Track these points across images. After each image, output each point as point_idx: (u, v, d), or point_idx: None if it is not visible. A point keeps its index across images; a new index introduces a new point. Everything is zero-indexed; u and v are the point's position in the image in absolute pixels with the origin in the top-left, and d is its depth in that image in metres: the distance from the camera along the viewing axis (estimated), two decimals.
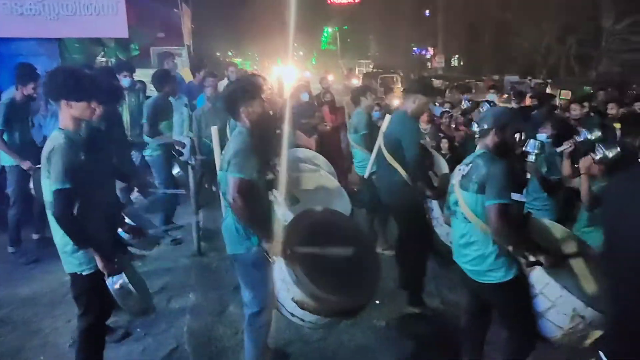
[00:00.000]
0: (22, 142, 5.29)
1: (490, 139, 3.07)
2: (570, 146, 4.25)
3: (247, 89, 3.11)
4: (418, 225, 4.39)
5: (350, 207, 4.64)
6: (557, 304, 2.85)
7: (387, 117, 4.65)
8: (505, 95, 16.94)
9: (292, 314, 2.90)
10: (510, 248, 2.94)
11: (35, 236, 5.65)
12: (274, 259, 2.91)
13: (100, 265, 2.94)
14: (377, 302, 4.39)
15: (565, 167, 4.29)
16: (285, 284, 2.84)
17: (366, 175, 5.35)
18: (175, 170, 5.74)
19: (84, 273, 2.99)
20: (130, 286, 3.05)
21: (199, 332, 4.00)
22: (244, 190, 2.91)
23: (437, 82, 17.19)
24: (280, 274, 2.86)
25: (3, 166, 5.35)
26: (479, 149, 3.12)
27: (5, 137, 5.15)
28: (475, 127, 5.43)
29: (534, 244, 3.02)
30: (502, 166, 2.91)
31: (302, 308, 2.81)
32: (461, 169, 3.13)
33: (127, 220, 3.72)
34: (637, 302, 1.66)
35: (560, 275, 2.91)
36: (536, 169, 4.53)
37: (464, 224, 3.07)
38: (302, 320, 2.91)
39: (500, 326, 3.22)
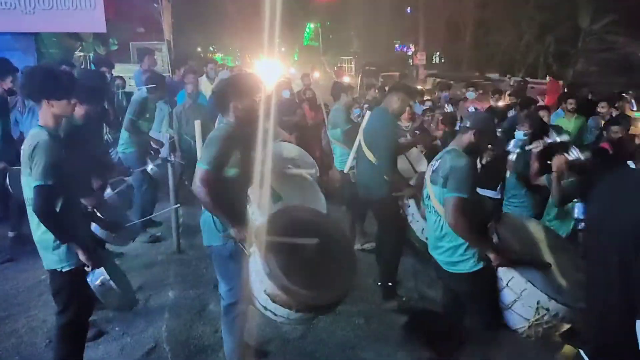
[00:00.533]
0: (2, 138, 5.18)
1: (466, 137, 3.20)
2: (539, 146, 4.37)
3: (239, 85, 3.15)
4: (393, 220, 4.49)
5: (326, 209, 4.68)
6: (522, 296, 2.99)
7: (368, 113, 4.74)
8: (480, 91, 17.13)
9: (265, 307, 2.90)
10: (466, 241, 3.07)
11: (10, 234, 5.56)
12: (249, 252, 2.94)
13: (83, 258, 2.94)
14: (355, 298, 4.42)
15: (533, 166, 4.42)
16: (258, 277, 2.86)
17: (346, 169, 5.36)
18: (149, 167, 5.69)
19: (63, 270, 2.97)
20: (111, 282, 3.06)
21: (178, 331, 3.97)
22: (208, 180, 2.92)
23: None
24: (255, 265, 2.88)
25: None
26: (450, 146, 3.25)
27: None
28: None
29: (488, 241, 3.16)
30: (466, 162, 3.06)
31: (273, 301, 2.82)
32: (433, 165, 3.26)
33: (101, 215, 3.70)
34: (619, 300, 1.68)
35: (526, 269, 3.04)
36: (515, 166, 4.65)
37: (435, 217, 3.20)
38: (274, 314, 2.91)
39: (468, 315, 3.36)
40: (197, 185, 2.93)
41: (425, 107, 8.46)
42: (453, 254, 3.14)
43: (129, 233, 4.34)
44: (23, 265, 5.04)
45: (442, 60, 39.35)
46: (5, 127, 5.31)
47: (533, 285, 2.95)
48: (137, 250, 5.43)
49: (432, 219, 3.25)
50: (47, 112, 2.91)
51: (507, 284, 3.05)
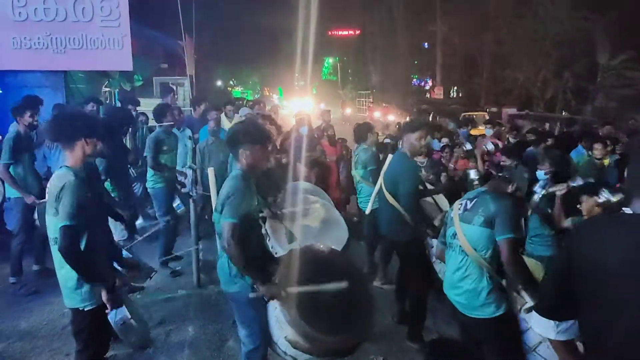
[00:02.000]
0: (26, 174, 5.36)
1: (504, 186, 3.23)
2: (563, 189, 4.31)
3: (249, 132, 3.16)
4: (419, 262, 4.45)
5: (348, 234, 4.73)
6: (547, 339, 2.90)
7: (389, 157, 4.73)
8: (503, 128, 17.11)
9: (285, 353, 2.92)
10: (519, 283, 3.01)
11: (35, 267, 5.69)
12: (267, 299, 2.96)
13: (105, 298, 2.97)
14: (373, 335, 4.40)
15: (557, 209, 4.34)
16: (278, 323, 2.88)
17: (367, 211, 5.39)
18: (176, 203, 5.80)
19: (86, 309, 3.01)
20: (132, 321, 3.09)
21: None
22: (237, 234, 2.94)
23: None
24: (274, 312, 2.91)
25: (9, 197, 5.40)
26: (483, 187, 3.25)
27: (11, 169, 5.24)
28: (472, 175, 5.50)
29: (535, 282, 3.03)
30: (512, 203, 3.04)
31: (294, 347, 2.83)
32: (463, 203, 3.20)
33: (123, 253, 3.78)
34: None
35: None
36: (538, 206, 4.60)
37: (461, 257, 3.13)
38: (295, 359, 2.93)
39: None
40: (229, 242, 2.91)
41: (443, 144, 8.47)
42: (474, 297, 3.06)
43: (147, 271, 4.36)
44: (47, 297, 5.13)
45: (460, 95, 39.53)
46: (31, 163, 5.48)
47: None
48: (158, 284, 5.50)
49: (456, 259, 3.17)
50: (78, 153, 3.01)
51: (531, 327, 2.94)
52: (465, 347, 3.42)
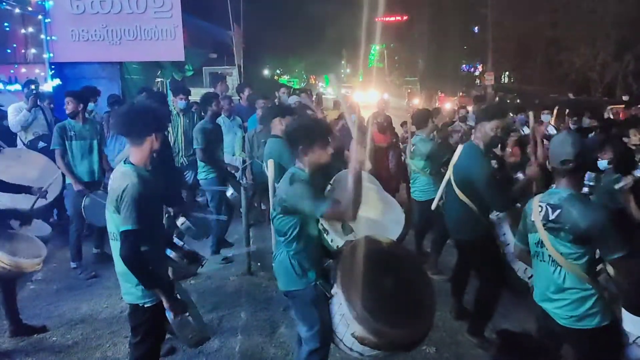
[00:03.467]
0: (75, 162, 5.51)
1: (578, 176, 2.86)
2: (629, 183, 4.06)
3: (308, 130, 3.06)
4: (492, 261, 4.17)
5: (403, 214, 4.61)
6: None
7: (459, 148, 4.42)
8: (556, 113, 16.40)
9: (351, 349, 2.88)
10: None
11: (95, 250, 5.90)
12: (331, 294, 2.92)
13: (166, 305, 2.93)
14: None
15: (631, 204, 4.06)
16: (344, 319, 2.83)
17: (433, 206, 5.17)
18: (229, 192, 5.85)
19: (145, 305, 2.97)
20: (189, 318, 3.04)
21: (250, 353, 4.06)
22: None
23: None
24: (340, 309, 2.86)
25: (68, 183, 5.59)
26: (562, 189, 2.84)
27: (72, 157, 5.43)
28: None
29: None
30: (605, 215, 2.69)
31: (362, 344, 2.78)
32: (543, 208, 2.85)
33: (180, 244, 3.82)
34: None
35: None
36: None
37: (554, 268, 2.84)
38: (362, 355, 2.89)
39: None
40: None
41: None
42: (578, 308, 2.78)
43: (199, 259, 4.42)
44: (106, 282, 5.33)
45: (512, 80, 38.29)
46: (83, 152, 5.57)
47: None
48: (210, 271, 5.60)
49: (548, 269, 2.87)
50: (146, 149, 2.93)
51: (634, 341, 2.72)
52: (541, 346, 3.23)
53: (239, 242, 6.02)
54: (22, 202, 4.58)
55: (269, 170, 4.26)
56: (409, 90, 28.82)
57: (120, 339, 4.23)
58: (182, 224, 4.76)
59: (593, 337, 2.78)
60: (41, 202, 4.67)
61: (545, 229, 2.82)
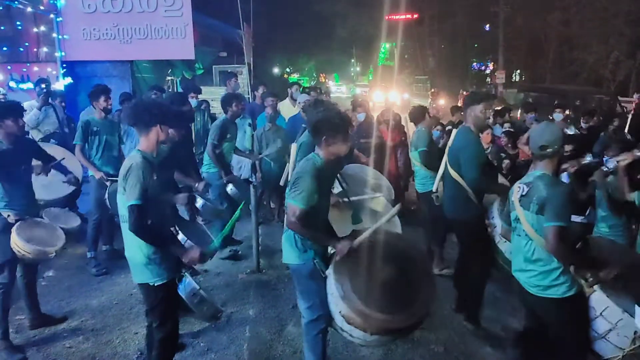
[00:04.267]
0: (95, 156, 5.60)
1: (554, 161, 3.12)
2: (627, 158, 4.17)
3: (332, 122, 3.25)
4: (480, 242, 4.35)
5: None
6: (617, 326, 2.91)
7: (454, 131, 4.62)
8: (567, 112, 16.28)
9: (342, 329, 3.00)
10: (571, 268, 2.99)
11: (104, 247, 5.95)
12: (325, 273, 3.09)
13: (185, 259, 3.12)
14: (434, 324, 4.35)
15: (620, 179, 4.21)
16: (333, 298, 2.95)
17: (434, 189, 5.17)
18: (229, 188, 5.89)
19: (156, 284, 3.12)
20: (202, 292, 3.17)
21: (259, 350, 4.07)
22: (301, 217, 3.13)
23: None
24: (330, 288, 2.98)
25: (90, 175, 5.63)
26: (537, 170, 3.13)
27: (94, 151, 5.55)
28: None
29: (591, 262, 3.09)
30: (564, 189, 3.00)
31: (348, 323, 2.89)
32: (521, 187, 3.15)
33: (179, 237, 3.89)
34: None
35: (621, 297, 2.93)
36: (607, 190, 4.42)
37: (526, 241, 3.11)
38: (351, 335, 3.00)
39: (554, 343, 3.19)
40: (292, 222, 3.14)
41: (505, 130, 8.15)
42: (545, 278, 3.03)
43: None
44: (116, 278, 5.39)
45: (523, 78, 38.00)
46: (104, 147, 5.66)
47: (630, 315, 2.84)
48: (219, 268, 5.64)
49: (522, 242, 3.15)
50: (152, 138, 3.13)
51: (600, 314, 2.96)
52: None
53: (248, 240, 6.04)
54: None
55: (292, 154, 4.39)
56: (433, 90, 28.35)
57: (130, 335, 4.27)
58: (202, 205, 4.88)
59: (558, 306, 3.02)
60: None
61: (519, 205, 3.12)
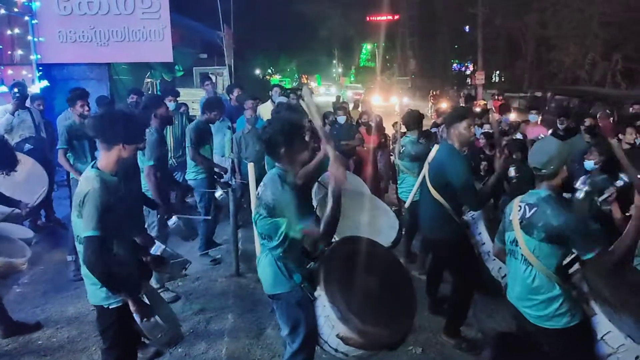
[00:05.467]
0: (75, 162, 5.53)
1: (557, 180, 2.92)
2: (612, 194, 4.03)
3: (284, 131, 2.99)
4: (465, 260, 4.19)
5: (397, 221, 4.70)
6: (619, 351, 2.76)
7: (435, 147, 4.48)
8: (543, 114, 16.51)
9: (337, 350, 2.90)
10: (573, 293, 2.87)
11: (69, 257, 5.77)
12: (315, 296, 2.94)
13: (133, 309, 2.89)
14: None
15: (616, 214, 4.02)
16: (329, 321, 2.85)
17: (407, 204, 5.27)
18: (218, 193, 5.85)
19: (111, 306, 2.94)
20: (157, 317, 2.97)
21: (237, 355, 4.07)
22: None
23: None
24: (324, 311, 2.88)
25: (72, 178, 5.53)
26: (541, 190, 2.93)
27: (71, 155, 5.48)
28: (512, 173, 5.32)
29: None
30: (578, 217, 2.81)
31: (347, 344, 2.81)
32: (522, 208, 2.94)
33: (156, 245, 3.78)
34: None
35: (624, 321, 2.79)
36: (582, 207, 4.28)
37: (525, 267, 2.92)
38: (346, 355, 2.91)
39: None
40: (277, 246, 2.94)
41: (483, 130, 8.23)
42: (547, 307, 2.86)
43: (181, 263, 4.18)
44: None
45: (502, 79, 38.49)
46: (84, 151, 5.58)
47: (633, 340, 2.71)
48: (198, 272, 5.61)
49: (520, 268, 2.95)
50: (113, 155, 2.92)
51: (602, 338, 2.81)
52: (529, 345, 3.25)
53: (228, 243, 6.02)
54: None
55: (250, 173, 4.30)
56: (435, 93, 27.61)
57: None
58: (174, 223, 4.76)
59: (562, 336, 2.86)
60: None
61: (520, 227, 2.91)
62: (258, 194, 3.09)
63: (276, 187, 2.91)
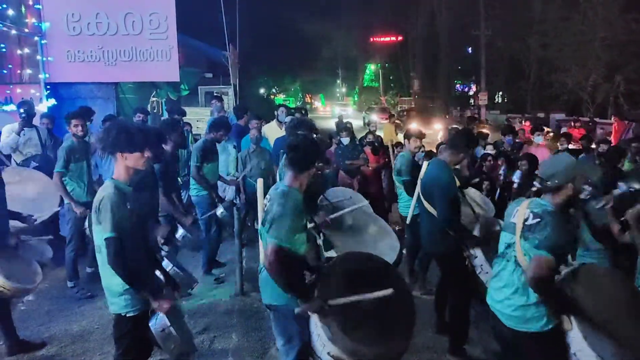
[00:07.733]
0: (75, 184, 5.59)
1: (561, 196, 2.97)
2: (609, 202, 4.08)
3: (311, 153, 3.17)
4: (459, 273, 4.34)
5: (398, 241, 4.72)
6: None
7: (425, 164, 4.69)
8: (551, 134, 16.59)
9: None
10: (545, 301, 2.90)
11: (88, 269, 5.85)
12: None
13: (155, 305, 3.04)
14: (416, 346, 4.36)
15: (613, 225, 4.06)
16: (320, 339, 2.88)
17: (408, 220, 5.37)
18: (220, 211, 5.88)
19: (128, 314, 3.07)
20: (172, 329, 3.06)
21: None
22: (281, 257, 2.94)
23: None
24: (316, 329, 2.90)
25: (66, 203, 5.57)
26: (546, 202, 2.99)
27: (67, 177, 5.48)
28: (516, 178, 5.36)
29: (566, 302, 2.94)
30: (563, 225, 2.89)
31: None
32: (528, 215, 2.97)
33: (164, 263, 3.84)
34: None
35: (600, 338, 2.78)
36: (586, 217, 4.32)
37: (513, 267, 3.00)
38: None
39: None
40: (272, 262, 2.94)
41: (485, 152, 8.23)
42: (526, 310, 2.93)
43: (189, 281, 4.36)
44: (97, 301, 5.31)
45: (505, 100, 38.67)
46: (82, 173, 5.67)
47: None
48: (202, 292, 5.60)
49: (509, 269, 3.03)
50: (120, 165, 3.08)
51: (574, 353, 2.83)
52: None
53: (232, 262, 6.03)
54: None
55: (258, 189, 4.36)
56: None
57: (111, 359, 4.21)
58: (181, 236, 4.84)
59: (536, 339, 2.92)
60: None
61: (521, 235, 2.97)
62: (265, 206, 3.20)
63: (284, 203, 3.03)
